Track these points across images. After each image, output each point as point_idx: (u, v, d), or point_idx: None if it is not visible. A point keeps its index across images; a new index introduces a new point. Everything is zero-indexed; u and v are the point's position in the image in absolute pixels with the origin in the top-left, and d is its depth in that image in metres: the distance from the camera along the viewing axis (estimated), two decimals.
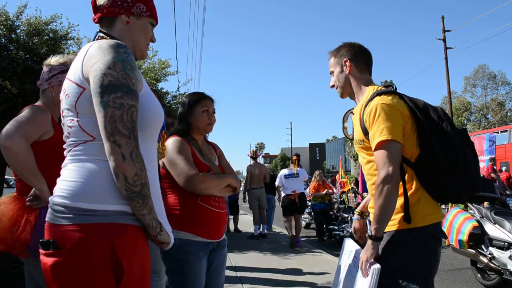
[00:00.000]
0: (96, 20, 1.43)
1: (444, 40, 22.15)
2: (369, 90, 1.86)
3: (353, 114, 1.96)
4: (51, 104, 2.02)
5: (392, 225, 1.74)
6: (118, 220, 1.21)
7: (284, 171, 7.47)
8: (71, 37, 7.61)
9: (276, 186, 7.91)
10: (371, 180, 1.85)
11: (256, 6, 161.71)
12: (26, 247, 1.72)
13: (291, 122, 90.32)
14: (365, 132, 1.78)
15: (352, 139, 1.98)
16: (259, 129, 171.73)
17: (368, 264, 1.70)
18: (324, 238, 8.48)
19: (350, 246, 1.99)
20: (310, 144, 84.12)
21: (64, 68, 2.02)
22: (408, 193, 1.74)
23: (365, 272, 1.71)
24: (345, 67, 1.93)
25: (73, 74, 1.30)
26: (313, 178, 9.14)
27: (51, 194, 1.77)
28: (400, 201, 1.73)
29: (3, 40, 6.37)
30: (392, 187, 1.64)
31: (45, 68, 2.06)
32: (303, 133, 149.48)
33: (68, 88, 1.30)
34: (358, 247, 1.89)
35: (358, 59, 1.93)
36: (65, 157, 1.34)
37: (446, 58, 22.11)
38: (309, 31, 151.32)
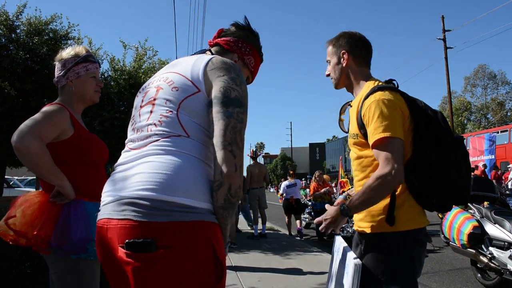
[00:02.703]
0: (211, 44, 1.57)
1: (444, 40, 22.17)
2: (369, 84, 1.78)
3: (351, 106, 1.88)
4: (72, 100, 1.93)
5: (375, 227, 1.69)
6: (211, 218, 1.19)
7: (286, 182, 9.71)
8: (71, 37, 7.62)
9: (279, 194, 10.50)
10: (358, 176, 1.79)
11: (255, 6, 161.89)
12: (47, 243, 1.69)
13: (291, 122, 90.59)
14: (361, 127, 1.71)
15: (347, 132, 1.91)
16: (259, 129, 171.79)
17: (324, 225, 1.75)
18: (324, 238, 8.48)
19: (338, 243, 1.99)
20: (310, 144, 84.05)
21: (78, 59, 1.91)
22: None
23: (324, 230, 1.77)
24: (342, 59, 1.86)
25: (184, 70, 1.33)
26: (313, 179, 9.28)
27: (75, 192, 1.77)
28: (385, 202, 1.66)
29: (3, 40, 6.37)
30: (392, 184, 1.57)
31: (58, 65, 1.94)
32: (303, 133, 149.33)
33: (177, 81, 1.31)
34: (345, 244, 1.88)
35: (357, 51, 1.84)
36: (136, 140, 1.28)
37: (446, 58, 22.13)
38: (309, 31, 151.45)
